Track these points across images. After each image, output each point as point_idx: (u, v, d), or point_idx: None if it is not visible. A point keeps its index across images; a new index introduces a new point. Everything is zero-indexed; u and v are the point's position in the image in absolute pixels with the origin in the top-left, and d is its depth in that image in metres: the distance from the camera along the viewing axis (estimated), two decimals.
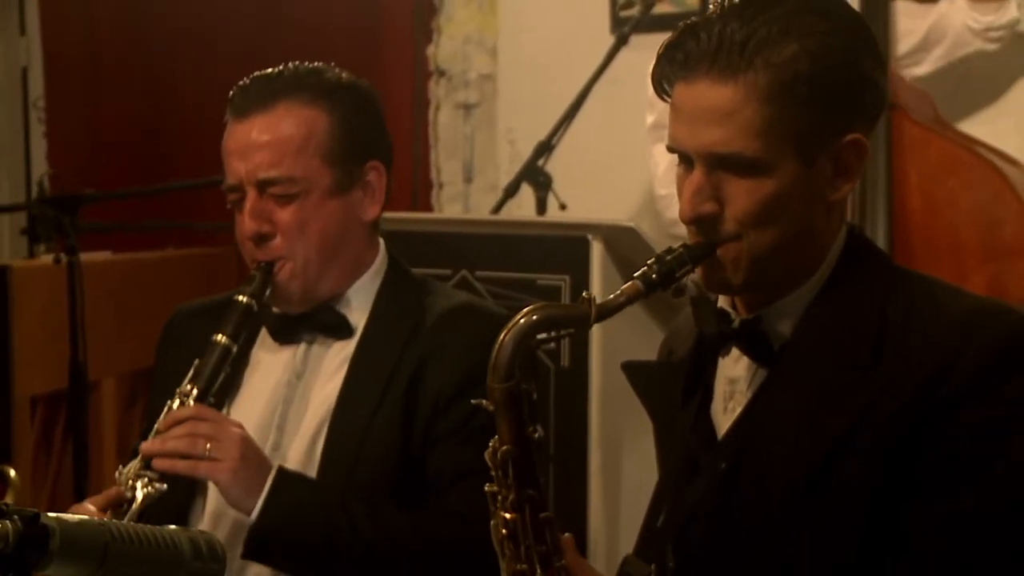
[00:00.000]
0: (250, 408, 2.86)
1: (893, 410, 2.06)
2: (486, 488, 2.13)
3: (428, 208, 5.83)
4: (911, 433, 2.05)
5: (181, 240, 5.59)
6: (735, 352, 2.24)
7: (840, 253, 2.20)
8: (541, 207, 4.44)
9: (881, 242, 3.98)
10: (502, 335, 2.08)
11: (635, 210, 4.97)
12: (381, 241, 2.96)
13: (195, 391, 2.74)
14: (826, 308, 2.17)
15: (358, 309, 2.88)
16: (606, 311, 2.11)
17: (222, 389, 2.83)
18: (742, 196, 2.12)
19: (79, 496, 3.91)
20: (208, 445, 2.65)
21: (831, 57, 2.10)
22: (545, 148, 4.46)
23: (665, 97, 2.18)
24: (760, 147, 2.09)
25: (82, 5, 6.71)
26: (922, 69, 4.38)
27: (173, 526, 1.88)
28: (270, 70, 2.86)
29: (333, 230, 2.83)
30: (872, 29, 2.13)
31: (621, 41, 4.53)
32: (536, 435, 2.12)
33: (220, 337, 2.78)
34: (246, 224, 2.81)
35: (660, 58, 2.16)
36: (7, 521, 1.69)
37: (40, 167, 6.81)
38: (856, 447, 2.07)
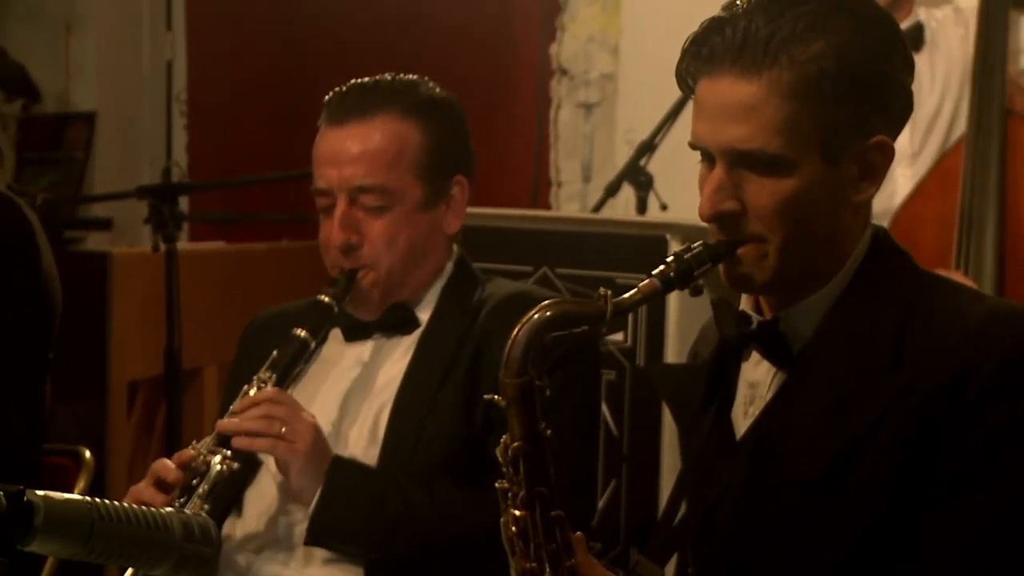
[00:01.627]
0: (316, 396, 2.91)
1: (911, 414, 2.03)
2: (496, 485, 2.13)
3: (547, 206, 5.85)
4: (929, 437, 2.02)
5: (296, 232, 5.66)
6: (756, 356, 2.21)
7: (864, 255, 2.17)
8: (642, 207, 4.43)
9: (990, 250, 3.92)
10: (515, 330, 2.07)
11: None
12: (454, 246, 3.00)
13: (272, 378, 2.79)
14: (847, 311, 2.14)
15: (425, 306, 2.94)
16: (621, 309, 2.09)
17: (297, 382, 2.88)
18: (764, 195, 2.09)
19: None
20: (283, 428, 2.70)
21: (857, 56, 2.07)
22: (647, 147, 4.45)
23: (689, 93, 2.17)
24: (782, 144, 2.06)
25: (226, 2, 6.85)
26: None
27: (168, 508, 1.92)
28: (367, 80, 2.90)
29: (418, 244, 2.88)
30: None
31: None
32: (548, 432, 2.11)
33: (300, 331, 2.83)
34: (335, 232, 2.84)
35: (684, 53, 2.14)
36: None
37: (182, 159, 6.97)
38: (874, 450, 2.04)
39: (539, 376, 2.09)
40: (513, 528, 2.11)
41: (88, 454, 3.20)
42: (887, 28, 2.14)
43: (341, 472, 2.74)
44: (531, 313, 2.08)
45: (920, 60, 4.15)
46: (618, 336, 3.60)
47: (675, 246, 3.48)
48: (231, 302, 4.71)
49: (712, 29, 2.11)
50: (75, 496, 1.81)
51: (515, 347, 2.07)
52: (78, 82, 6.91)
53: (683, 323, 3.45)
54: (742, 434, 2.21)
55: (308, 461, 2.71)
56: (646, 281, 2.11)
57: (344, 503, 2.72)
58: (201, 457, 2.72)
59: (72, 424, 4.19)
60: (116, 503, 1.85)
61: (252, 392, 2.78)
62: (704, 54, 2.11)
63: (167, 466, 2.71)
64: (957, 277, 3.87)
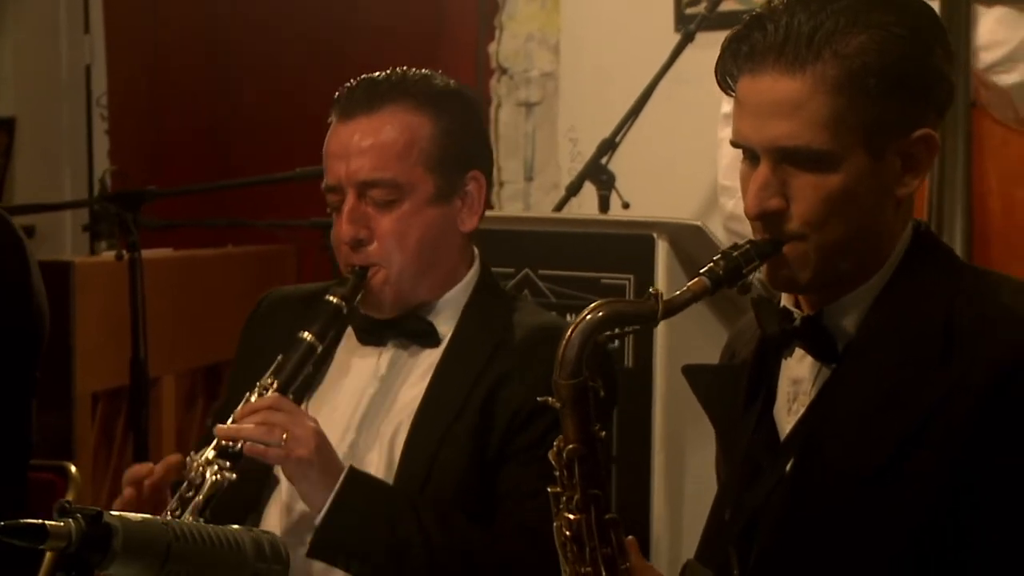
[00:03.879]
0: (331, 407, 2.84)
1: (960, 409, 2.03)
2: (548, 489, 2.10)
3: (488, 206, 5.81)
4: (978, 432, 2.02)
5: (241, 238, 5.59)
6: (798, 352, 2.20)
7: (906, 249, 2.17)
8: (604, 205, 4.42)
9: (958, 244, 3.93)
10: (568, 331, 2.05)
11: (699, 209, 4.93)
12: (476, 253, 2.92)
13: (275, 384, 2.72)
14: (892, 305, 2.14)
15: (446, 319, 2.85)
16: (673, 307, 2.08)
17: (303, 386, 2.81)
18: (809, 192, 2.09)
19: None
20: (283, 436, 2.62)
21: (900, 49, 2.07)
22: (609, 146, 4.43)
23: (730, 92, 2.15)
24: (828, 140, 2.06)
25: (146, 3, 6.75)
26: (1011, 78, 4.31)
27: (236, 526, 1.87)
28: (378, 73, 2.84)
29: (430, 239, 2.79)
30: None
31: (687, 38, 4.50)
32: (602, 433, 2.08)
33: (306, 334, 2.75)
34: (343, 228, 2.77)
35: (724, 51, 2.14)
36: (70, 520, 1.69)
37: (103, 165, 6.85)
38: (922, 445, 2.04)
39: (592, 377, 2.07)
40: (567, 532, 2.09)
41: (74, 469, 3.13)
42: (928, 19, 2.15)
43: (356, 484, 2.66)
44: (583, 313, 2.07)
45: None
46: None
47: (663, 245, 3.46)
48: (185, 310, 4.65)
49: (753, 26, 2.11)
50: (150, 517, 1.76)
51: (569, 348, 2.06)
52: None
53: (672, 323, 3.40)
54: (787, 432, 2.19)
55: (311, 467, 2.63)
56: (695, 279, 2.11)
57: (355, 516, 2.64)
58: (196, 466, 2.65)
59: (38, 438, 4.11)
60: (189, 522, 1.80)
61: (254, 398, 2.71)
62: (745, 52, 2.11)
63: (143, 468, 2.65)
64: None
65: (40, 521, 1.67)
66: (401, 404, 2.81)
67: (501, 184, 5.86)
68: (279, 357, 2.75)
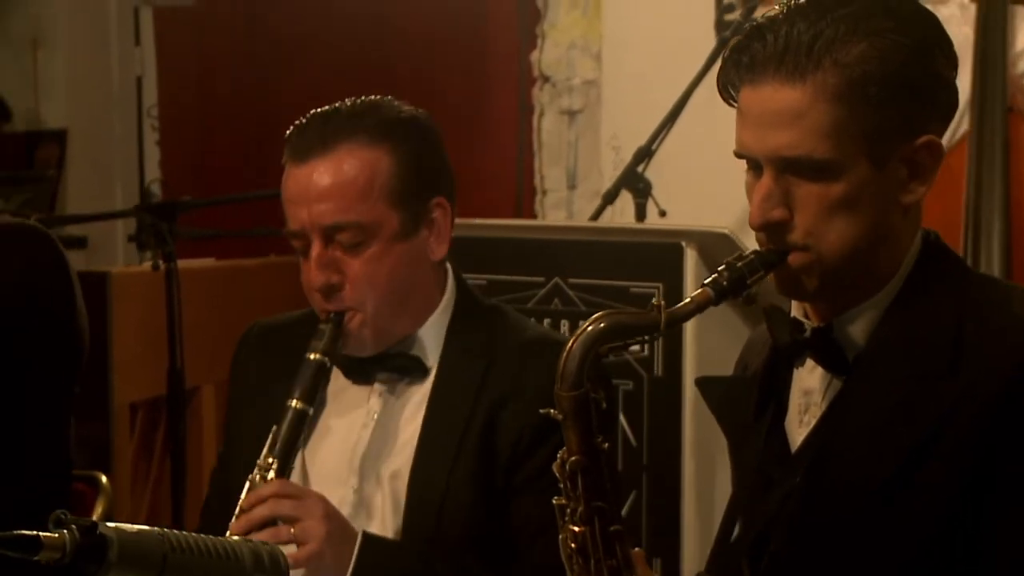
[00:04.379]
0: (328, 451, 2.80)
1: (970, 419, 2.01)
2: (554, 501, 2.09)
3: (531, 215, 5.83)
4: (988, 442, 2.00)
5: (284, 248, 5.61)
6: (810, 363, 2.19)
7: (916, 258, 2.16)
8: (640, 214, 4.41)
9: (996, 247, 3.92)
10: (570, 342, 2.05)
11: (736, 217, 4.90)
12: (450, 271, 2.86)
13: (275, 464, 2.65)
14: (902, 316, 2.12)
15: (431, 348, 2.79)
16: (675, 319, 2.07)
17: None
18: (812, 202, 2.08)
19: (176, 502, 3.94)
20: (292, 530, 2.58)
21: (902, 56, 2.05)
22: (645, 154, 4.43)
23: (731, 102, 2.15)
24: (829, 149, 2.05)
25: (194, 16, 6.80)
26: None
27: (236, 537, 1.87)
28: (327, 108, 2.75)
29: (402, 275, 2.73)
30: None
31: (722, 45, 4.49)
32: (605, 445, 2.08)
33: (295, 403, 2.69)
34: (313, 275, 2.70)
35: (725, 62, 2.13)
36: (64, 531, 1.69)
37: (153, 175, 6.91)
38: (932, 457, 2.03)
39: (594, 388, 2.06)
40: (572, 545, 2.08)
41: (104, 479, 3.15)
42: (928, 25, 2.13)
43: (372, 551, 2.62)
44: (585, 325, 2.06)
45: None
46: (635, 346, 3.56)
47: (691, 253, 3.45)
48: (225, 319, 4.66)
49: (753, 36, 2.10)
50: (146, 528, 1.76)
51: (570, 360, 2.05)
52: (47, 99, 6.84)
53: (701, 332, 3.43)
54: (799, 444, 2.18)
55: (322, 558, 2.59)
56: (699, 290, 2.10)
57: None
58: None
59: (76, 448, 4.14)
60: (186, 533, 1.81)
61: (257, 477, 2.64)
62: (745, 62, 2.10)
63: None
64: None
65: (34, 533, 1.67)
66: (400, 442, 2.76)
67: (544, 192, 5.86)
68: (273, 429, 2.68)
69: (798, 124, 2.06)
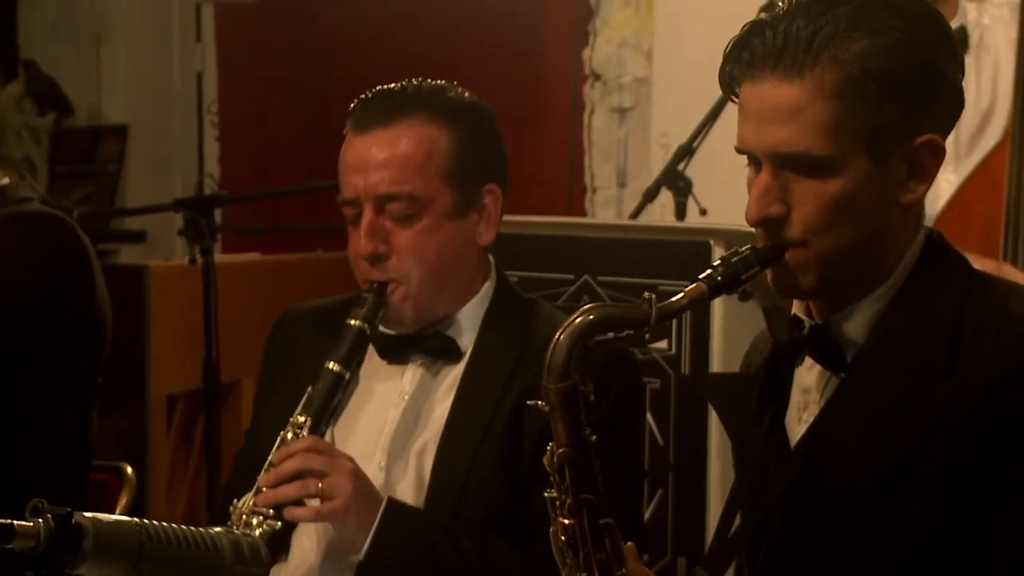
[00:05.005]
0: (360, 429, 2.82)
1: (963, 420, 2.00)
2: (546, 494, 2.09)
3: (582, 213, 5.82)
4: (982, 440, 1.99)
5: (331, 243, 5.63)
6: (809, 361, 2.18)
7: (917, 257, 2.14)
8: (680, 212, 4.39)
9: None
10: (557, 335, 2.04)
11: None
12: (492, 262, 2.89)
13: (308, 422, 2.70)
14: (901, 314, 2.11)
15: (467, 332, 2.83)
16: (667, 313, 2.07)
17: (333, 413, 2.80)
18: (810, 198, 2.07)
19: (212, 494, 3.96)
20: (320, 484, 2.61)
21: (902, 53, 2.04)
22: (685, 152, 4.40)
23: (733, 98, 2.14)
24: (827, 145, 2.04)
25: (255, 12, 6.85)
26: None
27: (217, 528, 1.88)
28: (394, 85, 2.80)
29: (449, 254, 2.77)
30: None
31: None
32: (593, 438, 2.07)
33: (332, 365, 2.73)
34: (363, 242, 2.74)
35: (727, 57, 2.13)
36: (39, 520, 1.71)
37: (212, 170, 6.97)
38: (927, 455, 2.02)
39: (583, 381, 2.06)
40: (562, 537, 2.08)
41: (130, 470, 3.18)
42: (933, 24, 2.11)
43: (396, 517, 2.65)
44: (573, 317, 2.06)
45: (966, 61, 4.11)
46: (662, 344, 3.55)
47: (719, 252, 3.43)
48: (267, 313, 4.67)
49: (753, 32, 2.10)
50: (123, 518, 1.78)
51: (557, 352, 2.05)
52: (109, 95, 6.92)
53: (728, 330, 3.40)
54: (796, 441, 2.17)
55: (348, 514, 2.62)
56: (693, 285, 2.10)
57: (397, 549, 2.63)
58: (239, 515, 2.64)
59: (112, 440, 4.17)
60: (165, 524, 1.82)
61: (289, 436, 2.69)
62: (745, 58, 2.10)
63: None
64: (1008, 270, 3.84)
65: (8, 521, 1.69)
66: (429, 423, 2.79)
67: (594, 190, 5.86)
68: (308, 390, 2.73)
69: (796, 120, 2.05)
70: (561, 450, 2.05)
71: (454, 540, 2.65)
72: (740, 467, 2.31)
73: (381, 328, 2.81)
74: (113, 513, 2.97)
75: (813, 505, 2.11)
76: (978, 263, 3.79)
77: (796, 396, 2.21)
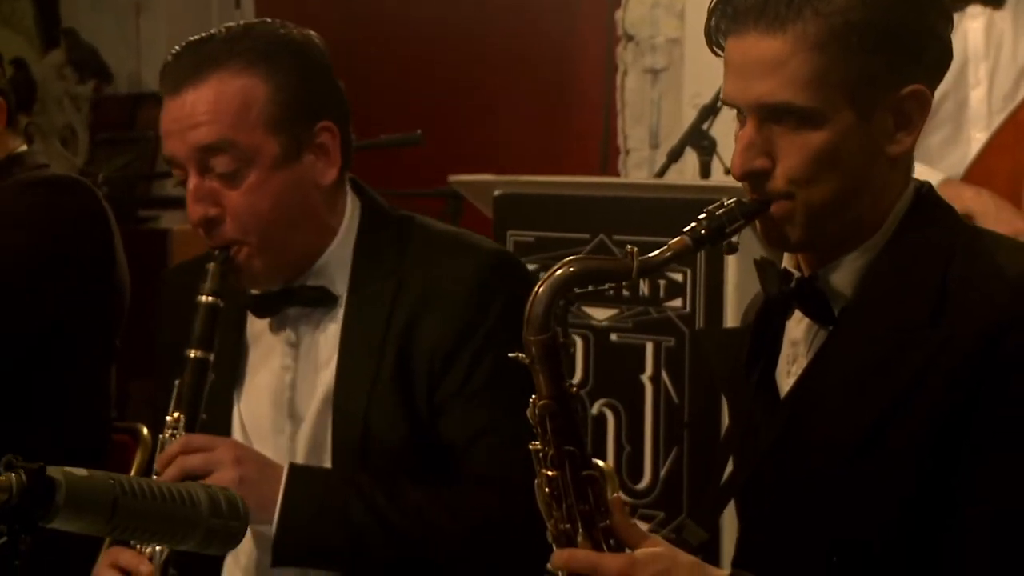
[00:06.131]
0: (257, 400, 2.75)
1: (948, 370, 1.99)
2: (530, 447, 2.10)
3: (616, 173, 5.81)
4: (966, 393, 1.99)
5: None
6: (798, 314, 2.18)
7: (906, 210, 2.13)
8: (705, 171, 4.38)
9: None
10: (537, 286, 2.04)
11: None
12: (350, 193, 2.73)
13: (182, 419, 2.59)
14: (888, 266, 2.10)
15: (339, 275, 2.71)
16: (649, 267, 2.06)
17: (227, 383, 2.73)
18: (794, 151, 2.06)
19: None
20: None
21: (885, 5, 2.03)
22: (710, 111, 4.39)
23: (719, 52, 2.14)
24: (810, 97, 2.03)
25: None
26: None
27: (194, 482, 1.90)
28: (201, 35, 2.65)
29: (287, 203, 2.62)
30: None
31: None
32: (573, 389, 2.07)
33: (192, 352, 2.60)
34: (189, 208, 2.61)
35: (711, 12, 2.12)
36: (12, 474, 1.72)
37: None
38: (912, 409, 2.01)
39: (564, 333, 2.06)
40: (546, 489, 2.08)
41: (145, 431, 3.20)
42: None
43: (299, 482, 2.58)
44: (553, 269, 2.05)
45: (1002, 16, 4.07)
46: (676, 302, 3.55)
47: None
48: None
49: None
50: (98, 472, 1.79)
51: (536, 304, 2.04)
52: (149, 62, 6.96)
53: (742, 288, 3.39)
54: (785, 393, 2.17)
55: (245, 499, 2.51)
56: (676, 238, 2.09)
57: (307, 514, 2.56)
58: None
59: (139, 402, 4.20)
60: (142, 479, 1.83)
61: (168, 436, 2.59)
62: (729, 12, 2.10)
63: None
64: None
65: None
66: (322, 381, 2.71)
67: (627, 152, 5.84)
68: (176, 383, 2.61)
69: (779, 73, 2.05)
70: (543, 402, 2.05)
71: (365, 498, 2.58)
72: (732, 418, 2.31)
73: (248, 290, 2.72)
74: (128, 473, 3.04)
75: (800, 457, 2.11)
76: (1008, 212, 3.77)
77: (786, 348, 2.21)
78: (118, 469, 2.56)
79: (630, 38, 5.84)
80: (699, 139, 4.38)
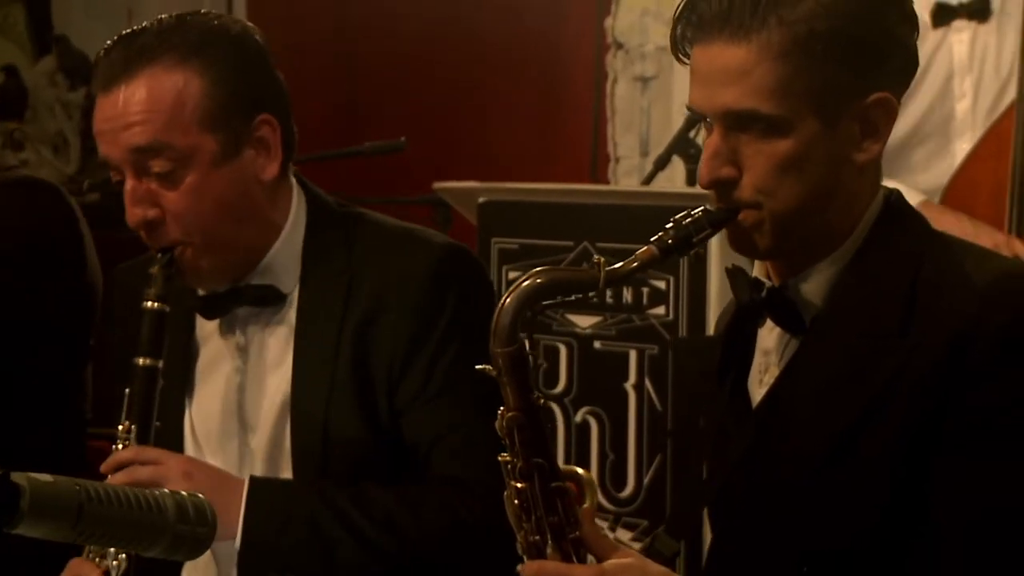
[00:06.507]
0: (209, 405, 2.71)
1: (918, 379, 2.00)
2: (500, 458, 2.10)
3: (605, 181, 5.81)
4: (935, 401, 1.99)
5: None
6: (769, 323, 2.18)
7: (875, 218, 2.13)
8: (691, 179, 4.37)
9: None
10: (503, 298, 2.04)
11: None
12: (296, 187, 2.68)
13: (134, 429, 2.56)
14: (858, 276, 2.11)
15: (286, 272, 2.65)
16: (616, 277, 2.07)
17: (178, 388, 2.69)
18: (760, 160, 2.07)
19: None
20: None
21: (850, 13, 2.04)
22: (697, 119, 4.36)
23: (684, 60, 2.14)
24: (775, 105, 2.04)
25: None
26: None
27: (163, 489, 1.89)
28: (133, 29, 2.58)
29: (229, 200, 2.56)
30: None
31: None
32: (541, 401, 2.07)
33: (141, 360, 2.56)
34: (128, 211, 2.54)
35: (676, 20, 2.13)
36: None
37: None
38: (882, 419, 2.02)
39: (532, 345, 2.06)
40: (516, 501, 2.08)
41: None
42: None
43: (263, 495, 2.53)
44: (520, 280, 2.06)
45: (987, 29, 4.08)
46: (660, 310, 3.54)
47: None
48: None
49: None
50: (63, 478, 1.78)
51: (503, 315, 2.05)
52: None
53: (725, 295, 3.35)
54: (757, 403, 2.18)
55: None
56: (643, 248, 2.10)
57: (273, 527, 2.52)
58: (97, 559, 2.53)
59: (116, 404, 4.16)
60: (108, 485, 1.83)
61: (120, 447, 2.56)
62: (695, 21, 2.10)
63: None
64: (1018, 245, 3.81)
65: None
66: (274, 386, 2.67)
67: (617, 159, 5.84)
68: (127, 392, 2.58)
69: (744, 81, 2.05)
70: (511, 414, 2.05)
71: (332, 507, 2.55)
72: (704, 427, 2.31)
73: (199, 292, 2.68)
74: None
75: (771, 467, 2.12)
76: (987, 236, 3.77)
77: (758, 358, 2.21)
78: (99, 475, 2.57)
79: (620, 46, 5.85)
80: (686, 147, 4.37)
